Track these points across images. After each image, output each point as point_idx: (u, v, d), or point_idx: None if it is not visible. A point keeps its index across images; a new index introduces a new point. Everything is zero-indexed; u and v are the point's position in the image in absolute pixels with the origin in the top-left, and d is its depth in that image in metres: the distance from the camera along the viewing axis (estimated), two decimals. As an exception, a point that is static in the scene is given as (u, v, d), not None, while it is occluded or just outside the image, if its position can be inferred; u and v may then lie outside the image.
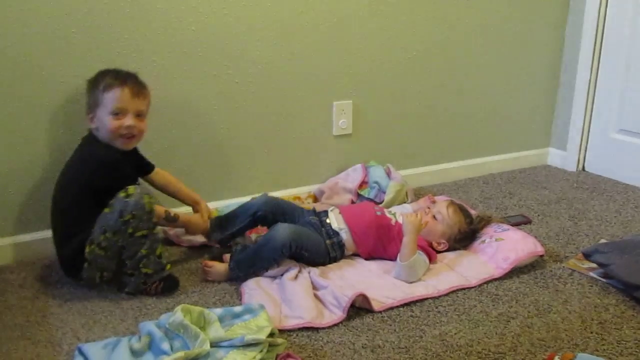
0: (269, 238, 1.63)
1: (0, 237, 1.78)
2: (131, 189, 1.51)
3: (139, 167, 1.77)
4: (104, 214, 1.50)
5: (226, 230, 1.80)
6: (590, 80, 2.53)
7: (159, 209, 1.64)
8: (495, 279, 1.65)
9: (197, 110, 1.97)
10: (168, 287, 1.60)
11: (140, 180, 1.77)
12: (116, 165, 1.57)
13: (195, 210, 1.85)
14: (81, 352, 1.27)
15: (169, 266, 1.61)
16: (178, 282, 1.62)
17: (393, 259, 1.67)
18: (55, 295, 1.57)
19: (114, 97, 1.55)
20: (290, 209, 1.85)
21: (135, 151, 1.72)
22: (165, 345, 1.25)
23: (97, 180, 1.54)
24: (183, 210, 1.83)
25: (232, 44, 1.96)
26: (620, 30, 2.41)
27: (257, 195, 1.89)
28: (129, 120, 1.57)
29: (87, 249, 1.52)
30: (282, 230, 1.62)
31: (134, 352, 1.26)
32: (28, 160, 1.75)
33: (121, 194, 1.50)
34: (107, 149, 1.58)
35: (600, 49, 2.50)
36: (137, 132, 1.60)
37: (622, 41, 2.41)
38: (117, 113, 1.56)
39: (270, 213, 1.79)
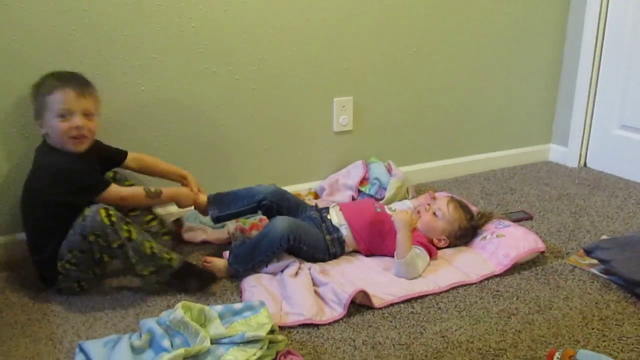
0: (267, 231, 1.63)
1: (2, 235, 1.78)
2: (86, 210, 1.47)
3: (108, 159, 1.72)
4: (68, 235, 1.48)
5: (226, 210, 1.78)
6: (591, 76, 2.52)
7: (138, 191, 1.62)
8: (496, 276, 1.65)
9: (197, 107, 1.97)
10: (204, 284, 1.58)
11: (119, 170, 1.76)
12: (73, 171, 1.53)
13: (184, 185, 1.82)
14: (82, 350, 1.28)
15: (174, 259, 1.54)
16: (215, 276, 1.60)
17: (392, 255, 1.66)
18: (56, 293, 1.57)
19: (57, 99, 1.50)
20: (295, 202, 1.85)
21: (98, 146, 1.66)
22: (166, 343, 1.26)
23: (59, 190, 1.50)
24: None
25: (232, 41, 1.96)
26: (621, 26, 2.40)
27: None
28: (76, 121, 1.51)
29: (58, 264, 1.50)
30: (281, 222, 1.62)
31: (134, 350, 1.26)
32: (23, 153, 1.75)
33: (79, 219, 1.47)
34: (61, 156, 1.53)
35: (602, 45, 2.49)
36: (87, 132, 1.53)
37: (623, 37, 2.40)
38: (64, 115, 1.50)
39: (276, 203, 1.79)
